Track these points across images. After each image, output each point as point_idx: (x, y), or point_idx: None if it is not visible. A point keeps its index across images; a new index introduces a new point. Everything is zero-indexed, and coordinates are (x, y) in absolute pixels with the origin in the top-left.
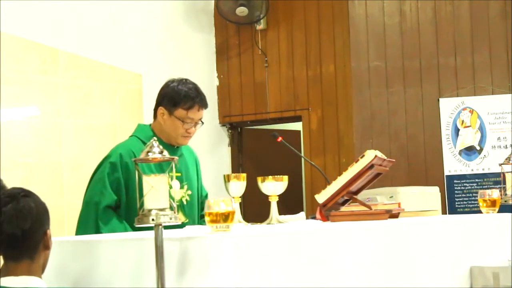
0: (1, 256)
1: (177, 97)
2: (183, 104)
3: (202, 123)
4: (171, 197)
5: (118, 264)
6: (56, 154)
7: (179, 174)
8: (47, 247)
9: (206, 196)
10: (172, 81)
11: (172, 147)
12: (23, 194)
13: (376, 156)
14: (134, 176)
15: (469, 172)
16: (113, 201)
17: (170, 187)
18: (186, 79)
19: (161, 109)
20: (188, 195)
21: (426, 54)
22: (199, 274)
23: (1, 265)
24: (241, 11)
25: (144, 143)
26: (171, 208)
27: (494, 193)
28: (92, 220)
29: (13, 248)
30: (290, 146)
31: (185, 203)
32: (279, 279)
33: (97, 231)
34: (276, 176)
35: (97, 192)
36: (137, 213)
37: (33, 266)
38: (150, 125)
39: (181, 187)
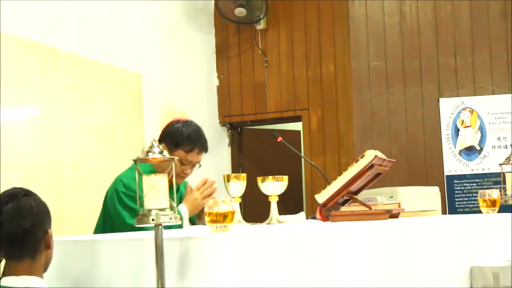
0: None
1: (180, 138)
2: (184, 146)
3: (200, 165)
4: (171, 196)
5: (118, 264)
6: (56, 154)
7: None
8: (48, 246)
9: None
10: (177, 121)
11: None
12: (23, 194)
13: (376, 156)
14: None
15: (469, 172)
16: None
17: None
18: (191, 121)
19: (163, 146)
20: None
21: (426, 54)
22: (199, 274)
23: (3, 265)
24: (240, 11)
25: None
26: (171, 208)
27: (494, 193)
28: None
29: (14, 247)
30: (290, 146)
31: None
32: (279, 279)
33: None
34: (276, 176)
35: (128, 217)
36: (137, 213)
37: (35, 265)
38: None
39: None
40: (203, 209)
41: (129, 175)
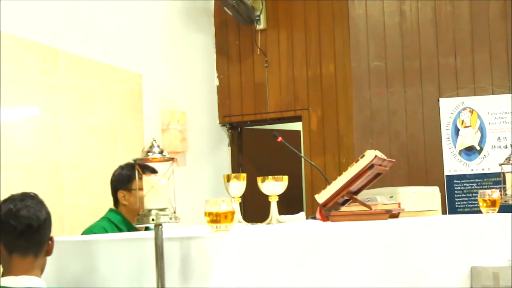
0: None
1: (127, 173)
2: (135, 176)
3: None
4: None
5: (118, 264)
6: (56, 154)
7: None
8: (48, 252)
9: None
10: (116, 170)
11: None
12: (33, 195)
13: (376, 156)
14: None
15: (469, 172)
16: None
17: None
18: (126, 164)
19: (121, 193)
20: None
21: (426, 54)
22: (199, 274)
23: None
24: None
25: (115, 225)
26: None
27: (494, 193)
28: None
29: (23, 239)
30: (290, 146)
31: None
32: (279, 279)
33: None
34: (276, 176)
35: None
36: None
37: (36, 264)
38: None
39: None
40: None
41: (100, 225)
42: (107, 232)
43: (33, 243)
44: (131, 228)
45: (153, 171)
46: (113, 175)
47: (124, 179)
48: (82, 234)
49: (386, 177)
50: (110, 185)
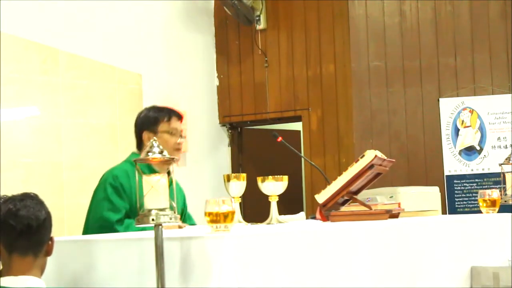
0: (4, 250)
1: (153, 116)
2: (162, 118)
3: (184, 137)
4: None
5: (118, 264)
6: (56, 154)
7: None
8: (48, 252)
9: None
10: (141, 111)
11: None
12: (33, 195)
13: (376, 156)
14: (130, 189)
15: (469, 172)
16: (124, 214)
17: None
18: (150, 106)
19: (146, 134)
20: None
21: (426, 54)
22: (199, 274)
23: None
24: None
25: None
26: (171, 208)
27: (494, 193)
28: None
29: (23, 239)
30: (290, 146)
31: None
32: (279, 279)
33: None
34: (276, 176)
35: (105, 209)
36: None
37: (35, 264)
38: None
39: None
40: None
41: (121, 167)
42: (128, 174)
43: (33, 243)
44: (152, 170)
45: (179, 117)
46: (139, 116)
47: (151, 120)
48: (102, 176)
49: (386, 177)
50: (135, 127)
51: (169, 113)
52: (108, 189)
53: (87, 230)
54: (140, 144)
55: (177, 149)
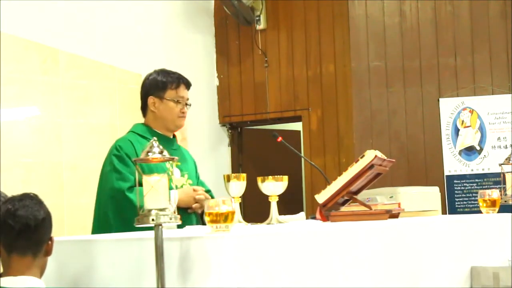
0: (3, 250)
1: (162, 81)
2: (170, 85)
3: (190, 105)
4: (170, 186)
5: (118, 264)
6: (56, 154)
7: (179, 163)
8: (48, 252)
9: (209, 191)
10: (150, 74)
11: (168, 138)
12: (33, 195)
13: (376, 156)
14: (136, 157)
15: (469, 172)
16: (133, 181)
17: (171, 173)
18: (160, 69)
19: (151, 99)
20: (189, 183)
21: (426, 54)
22: (199, 274)
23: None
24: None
25: (139, 135)
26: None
27: (494, 193)
28: (126, 206)
29: (22, 239)
30: (290, 146)
31: None
32: (279, 279)
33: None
34: (276, 176)
35: (115, 180)
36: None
37: (35, 264)
38: (143, 122)
39: (182, 175)
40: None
41: (124, 138)
42: (132, 143)
43: (32, 242)
44: (156, 135)
45: (187, 85)
46: (147, 78)
47: (158, 85)
48: (109, 151)
49: (386, 177)
50: (141, 88)
51: (178, 80)
52: (114, 160)
53: (99, 206)
54: (145, 108)
55: (181, 117)
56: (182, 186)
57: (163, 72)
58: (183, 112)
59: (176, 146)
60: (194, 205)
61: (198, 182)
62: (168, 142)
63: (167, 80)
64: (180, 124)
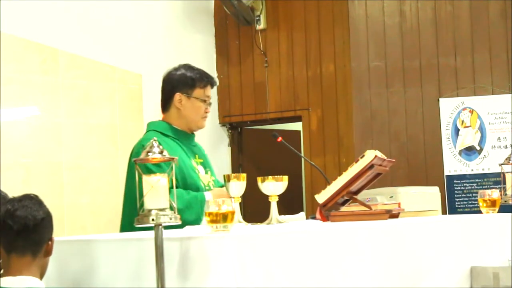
0: (3, 251)
1: (191, 79)
2: (199, 83)
3: (211, 104)
4: (198, 183)
5: (118, 264)
6: (56, 154)
7: (201, 160)
8: (48, 253)
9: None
10: (176, 68)
11: (188, 135)
12: (33, 196)
13: (376, 156)
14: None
15: (469, 172)
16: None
17: (198, 171)
18: (182, 64)
19: (178, 95)
20: (212, 180)
21: (426, 54)
22: (199, 274)
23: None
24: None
25: (160, 132)
26: (171, 208)
27: (494, 193)
28: None
29: (21, 239)
30: (290, 146)
31: (212, 188)
32: (279, 279)
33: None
34: (276, 176)
35: None
36: (138, 213)
37: (34, 264)
38: (160, 119)
39: (206, 173)
40: None
41: (147, 137)
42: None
43: (31, 242)
44: (177, 132)
45: (213, 85)
46: (174, 73)
47: (188, 81)
48: (132, 151)
49: (386, 177)
50: (167, 83)
51: (208, 80)
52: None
53: (130, 205)
54: (167, 104)
55: (204, 117)
56: (208, 184)
57: (190, 68)
58: (206, 112)
59: (195, 142)
60: None
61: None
62: (189, 138)
63: (195, 77)
64: (202, 125)
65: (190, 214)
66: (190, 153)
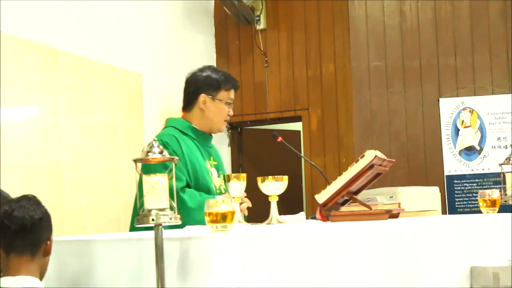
0: (2, 251)
1: (217, 81)
2: (224, 86)
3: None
4: (209, 185)
5: (118, 264)
6: (56, 154)
7: (215, 163)
8: (47, 252)
9: None
10: (201, 69)
11: (207, 136)
12: (31, 196)
13: (376, 156)
14: (183, 155)
15: (469, 172)
16: (185, 180)
17: (211, 174)
18: (207, 66)
19: (203, 97)
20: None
21: (426, 54)
22: (199, 274)
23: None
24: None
25: (180, 130)
26: (171, 208)
27: (494, 193)
28: (178, 206)
29: (19, 239)
30: (290, 146)
31: (223, 192)
32: (279, 279)
33: (187, 212)
34: (276, 176)
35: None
36: (138, 213)
37: (33, 263)
38: (181, 117)
39: (218, 176)
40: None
41: (167, 133)
42: (176, 139)
43: (29, 242)
44: (196, 132)
45: (236, 87)
46: (199, 74)
47: (213, 83)
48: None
49: (386, 177)
50: (191, 83)
51: (233, 83)
52: None
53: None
54: (191, 104)
55: (226, 120)
56: (219, 188)
57: (216, 70)
58: (229, 115)
59: (212, 144)
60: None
61: None
62: (207, 140)
63: (221, 79)
64: (222, 129)
65: (201, 215)
66: (206, 154)
